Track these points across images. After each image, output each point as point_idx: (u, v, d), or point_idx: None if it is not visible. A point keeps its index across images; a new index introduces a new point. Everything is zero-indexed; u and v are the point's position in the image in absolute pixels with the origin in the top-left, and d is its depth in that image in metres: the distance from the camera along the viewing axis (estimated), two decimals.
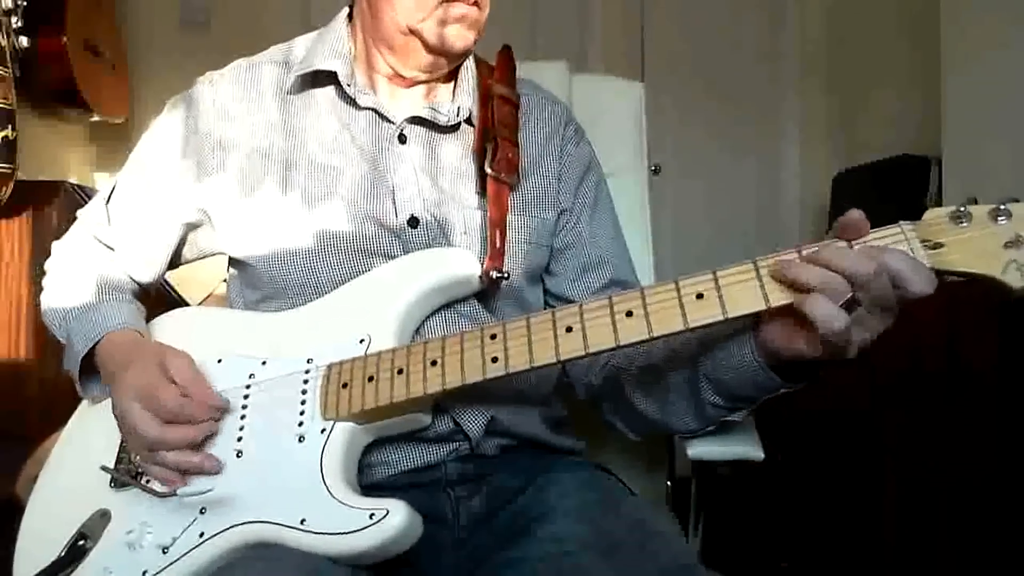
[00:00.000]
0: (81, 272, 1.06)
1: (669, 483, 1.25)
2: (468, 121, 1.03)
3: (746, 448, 0.99)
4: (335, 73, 1.01)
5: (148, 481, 0.89)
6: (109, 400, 0.96)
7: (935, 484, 1.69)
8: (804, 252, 0.75)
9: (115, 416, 0.92)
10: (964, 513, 1.66)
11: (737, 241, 2.96)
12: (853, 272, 0.71)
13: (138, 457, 0.90)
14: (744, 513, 1.90)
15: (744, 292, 0.76)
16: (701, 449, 0.99)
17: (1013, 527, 1.58)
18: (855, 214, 0.75)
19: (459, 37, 0.98)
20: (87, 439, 0.99)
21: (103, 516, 0.90)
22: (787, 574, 1.98)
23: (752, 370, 0.83)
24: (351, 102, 1.02)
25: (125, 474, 0.90)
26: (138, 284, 1.09)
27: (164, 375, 0.89)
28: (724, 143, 3.04)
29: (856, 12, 2.83)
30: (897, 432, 1.74)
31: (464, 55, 1.03)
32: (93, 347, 0.98)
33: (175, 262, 1.12)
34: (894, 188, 2.22)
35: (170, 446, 0.87)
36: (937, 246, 0.73)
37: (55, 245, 1.12)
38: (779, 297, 0.75)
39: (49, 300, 1.07)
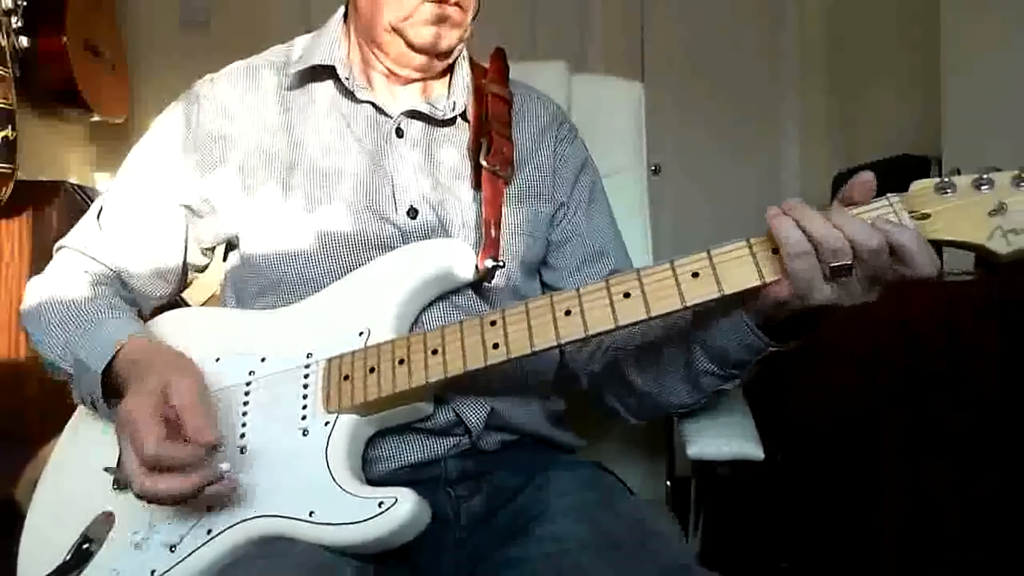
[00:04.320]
0: (74, 293, 0.99)
1: (669, 483, 1.25)
2: (463, 117, 1.05)
3: (746, 448, 0.99)
4: (333, 68, 1.02)
5: None
6: None
7: (935, 484, 1.69)
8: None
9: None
10: (964, 513, 1.66)
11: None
12: (858, 240, 0.72)
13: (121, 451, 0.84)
14: (744, 513, 1.90)
15: (739, 269, 0.78)
16: (701, 448, 0.99)
17: (1014, 527, 1.58)
18: (867, 175, 0.77)
19: (441, 36, 0.99)
20: (87, 441, 0.98)
21: (107, 518, 0.90)
22: (787, 574, 1.98)
23: (740, 330, 0.84)
24: (349, 96, 1.03)
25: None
26: (141, 293, 1.05)
27: (161, 403, 0.81)
28: (724, 143, 3.04)
29: (856, 12, 2.83)
30: (897, 432, 1.74)
31: (451, 53, 1.04)
32: (109, 368, 0.90)
33: (185, 273, 1.08)
34: (894, 188, 2.22)
35: (158, 499, 0.79)
36: (924, 216, 0.75)
37: (31, 282, 1.03)
38: (773, 272, 0.77)
39: (45, 334, 0.97)
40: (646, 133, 1.38)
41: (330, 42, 1.05)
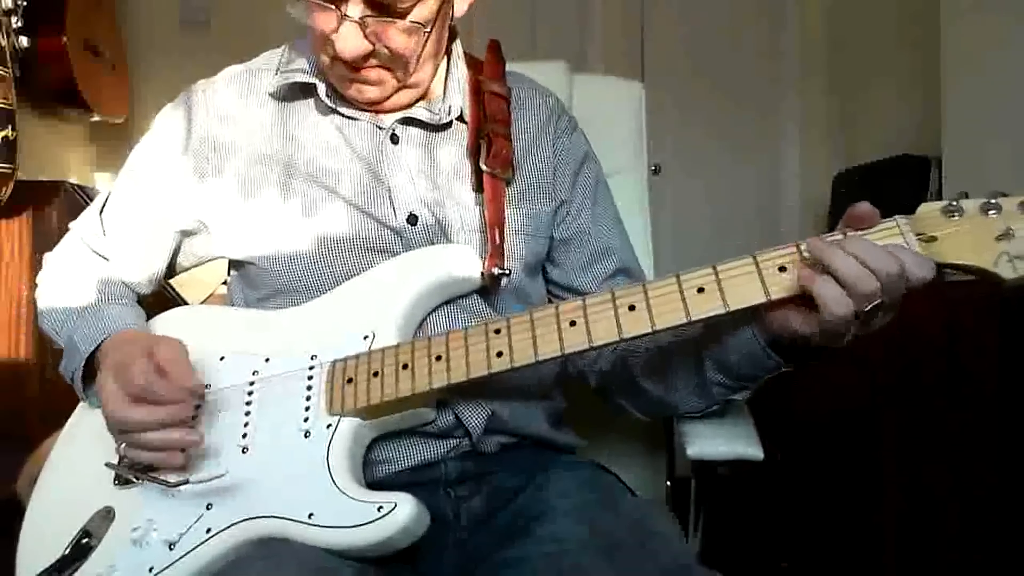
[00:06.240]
0: (81, 279, 1.06)
1: (669, 483, 1.25)
2: (460, 119, 1.03)
3: (746, 448, 0.99)
4: (315, 86, 1.01)
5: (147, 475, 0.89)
6: None
7: (935, 484, 1.69)
8: (823, 239, 0.75)
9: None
10: (964, 513, 1.66)
11: (737, 241, 2.95)
12: (881, 270, 0.72)
13: (123, 446, 0.89)
14: (744, 513, 1.90)
15: (745, 285, 0.77)
16: (701, 449, 0.99)
17: (1014, 527, 1.58)
18: (864, 205, 0.76)
19: (363, 92, 0.98)
20: (88, 437, 0.99)
21: (107, 514, 0.90)
22: (787, 574, 1.98)
23: (752, 349, 0.84)
24: (336, 111, 1.01)
25: (129, 470, 0.90)
26: (136, 293, 1.09)
27: (145, 355, 0.88)
28: (724, 143, 3.04)
29: (856, 12, 2.83)
30: (896, 432, 1.74)
31: (397, 92, 0.99)
32: (96, 349, 0.96)
33: (171, 271, 1.12)
34: (894, 188, 2.22)
35: (134, 426, 0.85)
36: (931, 239, 0.75)
37: (47, 256, 1.11)
38: (779, 290, 0.76)
39: (49, 305, 1.05)
40: (646, 133, 1.38)
41: (311, 57, 1.02)
